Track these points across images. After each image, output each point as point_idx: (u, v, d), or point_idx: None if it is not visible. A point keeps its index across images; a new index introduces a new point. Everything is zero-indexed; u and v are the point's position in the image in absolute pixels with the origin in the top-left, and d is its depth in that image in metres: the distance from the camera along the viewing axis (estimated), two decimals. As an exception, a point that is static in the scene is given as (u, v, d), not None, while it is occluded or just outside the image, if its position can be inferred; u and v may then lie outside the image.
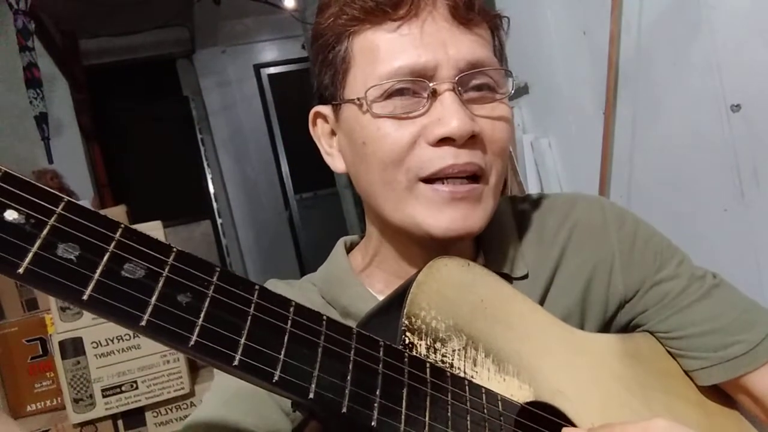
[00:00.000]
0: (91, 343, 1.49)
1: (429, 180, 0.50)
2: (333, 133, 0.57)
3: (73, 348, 1.48)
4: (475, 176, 0.50)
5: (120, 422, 1.54)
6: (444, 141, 0.49)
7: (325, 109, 0.56)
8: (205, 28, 4.00)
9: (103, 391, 1.49)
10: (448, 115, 0.48)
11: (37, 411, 1.64)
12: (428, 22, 0.49)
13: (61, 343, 1.47)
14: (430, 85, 0.49)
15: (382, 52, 0.50)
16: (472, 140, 0.49)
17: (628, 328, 0.60)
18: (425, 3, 0.50)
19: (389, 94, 0.50)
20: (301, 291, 0.60)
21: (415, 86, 0.50)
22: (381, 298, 0.54)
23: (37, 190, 0.29)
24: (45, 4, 2.91)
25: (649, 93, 1.59)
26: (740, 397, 0.58)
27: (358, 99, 0.51)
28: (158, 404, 1.55)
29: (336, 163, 0.57)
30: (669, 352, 0.58)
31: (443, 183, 0.49)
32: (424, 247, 0.53)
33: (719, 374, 0.55)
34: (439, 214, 0.49)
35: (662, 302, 0.57)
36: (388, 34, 0.50)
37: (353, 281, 0.58)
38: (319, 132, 0.58)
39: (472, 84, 0.51)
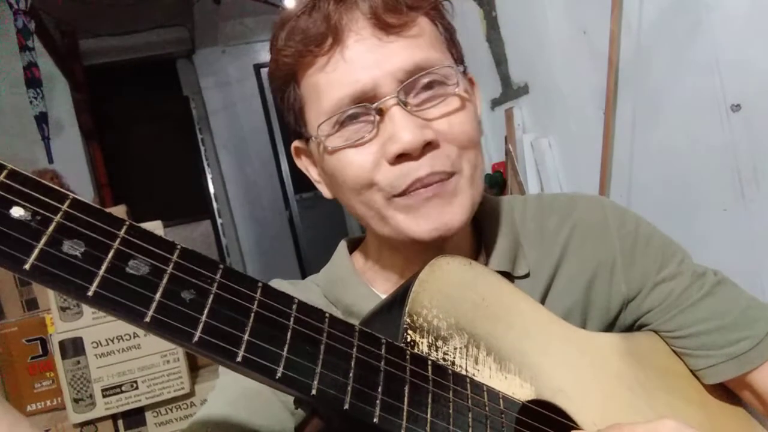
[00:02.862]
0: (91, 343, 1.48)
1: (403, 194, 0.50)
2: (315, 163, 0.58)
3: (73, 348, 1.48)
4: (443, 179, 0.50)
5: (120, 422, 1.54)
6: (401, 157, 0.49)
7: (301, 143, 0.58)
8: (205, 28, 3.99)
9: (103, 391, 1.49)
10: (398, 130, 0.48)
11: (37, 411, 1.64)
12: (356, 45, 0.49)
13: (61, 343, 1.47)
14: (375, 105, 0.49)
15: (322, 87, 0.51)
16: (430, 146, 0.50)
17: (633, 328, 0.60)
18: (347, 27, 0.49)
19: (340, 125, 0.51)
20: (304, 291, 0.60)
21: (361, 111, 0.50)
22: (384, 297, 0.54)
23: (43, 188, 0.29)
24: (45, 4, 2.90)
25: (649, 93, 1.60)
26: (744, 393, 0.58)
27: (315, 137, 0.52)
28: (158, 404, 1.55)
29: (325, 190, 0.58)
30: (675, 351, 0.59)
31: (416, 190, 0.50)
32: (420, 250, 0.53)
33: (727, 371, 0.56)
34: (419, 218, 0.50)
35: (666, 301, 0.58)
36: (322, 69, 0.51)
37: (356, 281, 0.58)
38: (305, 163, 0.60)
39: (419, 86, 0.50)
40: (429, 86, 0.51)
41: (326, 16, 0.49)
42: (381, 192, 0.51)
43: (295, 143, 0.59)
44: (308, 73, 0.52)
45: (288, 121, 0.57)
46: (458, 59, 0.55)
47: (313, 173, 0.59)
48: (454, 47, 0.55)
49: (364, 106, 0.50)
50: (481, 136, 0.57)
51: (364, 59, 0.49)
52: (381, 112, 0.49)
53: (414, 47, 0.50)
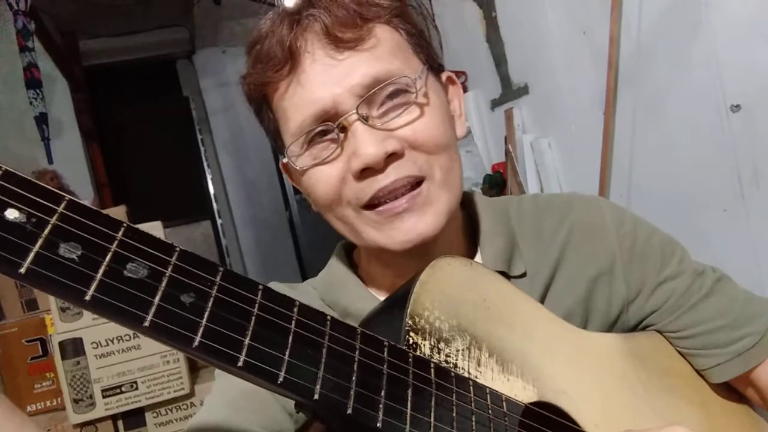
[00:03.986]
0: (91, 343, 1.48)
1: (370, 205, 0.51)
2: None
3: (73, 348, 1.48)
4: (412, 184, 0.50)
5: (120, 422, 1.54)
6: (366, 171, 0.49)
7: (286, 161, 0.58)
8: (205, 28, 3.99)
9: (103, 391, 1.49)
10: (360, 145, 0.49)
11: (37, 411, 1.64)
12: (311, 67, 0.50)
13: (61, 344, 1.47)
14: (337, 122, 0.50)
15: (287, 111, 0.52)
16: (394, 156, 0.50)
17: (637, 329, 0.60)
18: (302, 49, 0.50)
19: (307, 145, 0.51)
20: (301, 295, 0.60)
21: (325, 129, 0.51)
22: (381, 298, 0.54)
23: (38, 189, 0.28)
24: (45, 5, 2.90)
25: (649, 93, 1.59)
26: (748, 390, 0.58)
27: (287, 158, 0.53)
28: (158, 405, 1.55)
29: (312, 204, 0.59)
30: (679, 351, 0.59)
31: (385, 203, 0.50)
32: (408, 256, 0.53)
33: (733, 369, 0.56)
34: (391, 231, 0.51)
35: (669, 302, 0.58)
36: (284, 95, 0.52)
37: (353, 283, 0.58)
38: (294, 179, 0.60)
39: (381, 97, 0.50)
40: (391, 96, 0.51)
41: (281, 41, 0.50)
42: (350, 205, 0.52)
43: (282, 160, 0.59)
44: (275, 98, 0.53)
45: (269, 139, 0.58)
46: (429, 59, 0.55)
47: (300, 188, 0.60)
48: (421, 50, 0.55)
49: (327, 125, 0.50)
50: (460, 136, 0.57)
51: (320, 79, 0.50)
52: (344, 129, 0.50)
53: (371, 60, 0.50)
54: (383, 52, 0.51)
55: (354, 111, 0.49)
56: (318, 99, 0.49)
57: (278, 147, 0.57)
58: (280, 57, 0.50)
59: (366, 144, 0.48)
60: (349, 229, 0.54)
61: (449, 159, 0.52)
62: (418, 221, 0.50)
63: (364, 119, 0.49)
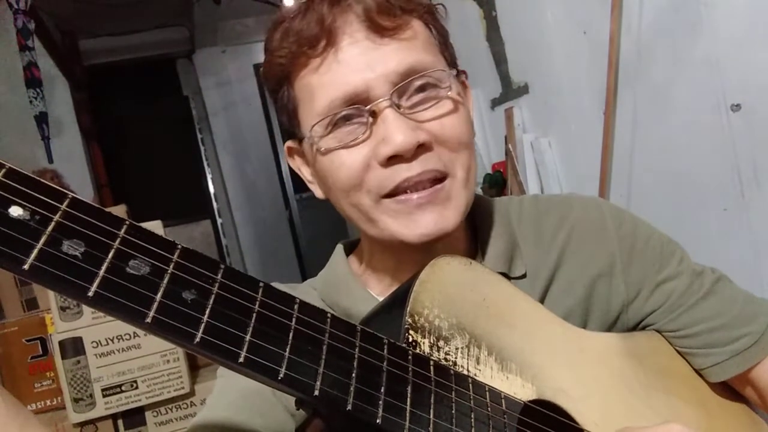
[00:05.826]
0: (91, 342, 1.48)
1: (391, 194, 0.50)
2: (308, 163, 0.58)
3: (73, 347, 1.48)
4: (436, 179, 0.51)
5: (120, 422, 1.54)
6: (393, 159, 0.49)
7: (294, 144, 0.58)
8: (205, 28, 3.99)
9: (103, 390, 1.49)
10: (391, 132, 0.48)
11: (37, 411, 1.64)
12: (349, 47, 0.50)
13: (61, 343, 1.47)
14: (368, 107, 0.50)
15: (315, 89, 0.51)
16: (423, 148, 0.50)
17: (636, 329, 0.60)
18: (341, 30, 0.50)
19: (333, 126, 0.51)
20: (302, 295, 0.60)
21: (354, 112, 0.50)
22: (380, 299, 0.54)
23: (42, 187, 0.29)
24: (45, 4, 2.90)
25: (649, 93, 1.59)
26: (746, 390, 0.59)
27: (308, 138, 0.52)
28: (158, 404, 1.55)
29: (317, 190, 0.58)
30: (678, 351, 0.59)
31: (406, 192, 0.50)
32: (411, 251, 0.53)
33: (732, 368, 0.56)
34: (411, 222, 0.50)
35: (668, 301, 0.58)
36: (315, 71, 0.51)
37: (353, 284, 0.58)
38: (297, 163, 0.59)
39: (412, 89, 0.51)
40: (422, 89, 0.51)
41: (320, 18, 0.49)
42: (369, 194, 0.51)
43: (289, 143, 0.59)
44: (302, 75, 0.52)
45: (281, 120, 0.57)
46: (451, 63, 0.55)
47: (305, 173, 0.59)
48: (446, 51, 0.55)
49: (357, 108, 0.50)
50: (473, 138, 0.57)
51: (357, 61, 0.49)
52: (374, 115, 0.50)
53: (407, 50, 0.50)
54: (418, 45, 0.51)
55: (387, 97, 0.49)
56: (351, 81, 0.49)
57: (292, 127, 0.56)
58: (316, 33, 0.50)
59: (397, 131, 0.48)
60: (363, 217, 0.53)
61: (469, 158, 0.53)
62: (439, 215, 0.50)
63: (396, 107, 0.49)
